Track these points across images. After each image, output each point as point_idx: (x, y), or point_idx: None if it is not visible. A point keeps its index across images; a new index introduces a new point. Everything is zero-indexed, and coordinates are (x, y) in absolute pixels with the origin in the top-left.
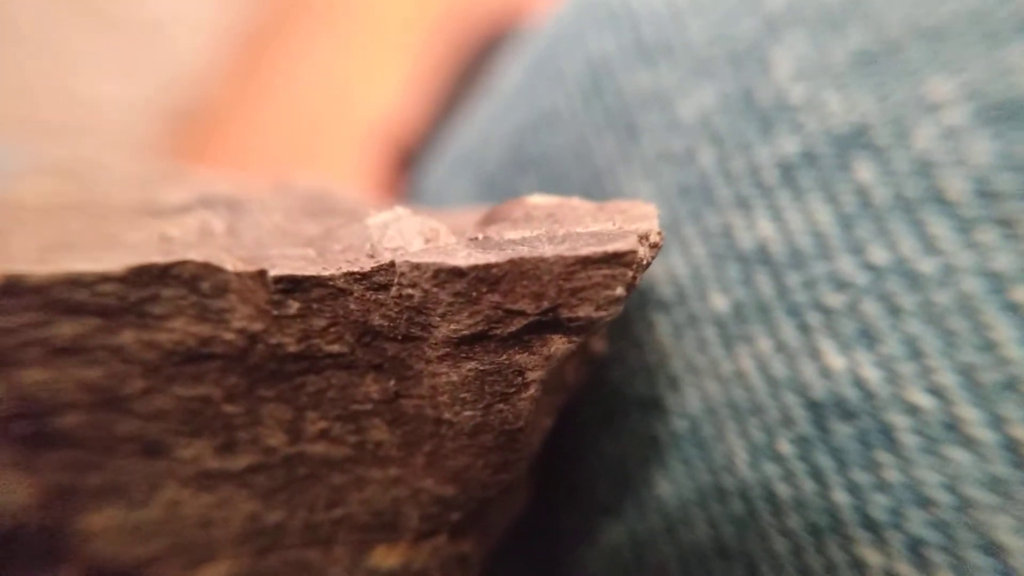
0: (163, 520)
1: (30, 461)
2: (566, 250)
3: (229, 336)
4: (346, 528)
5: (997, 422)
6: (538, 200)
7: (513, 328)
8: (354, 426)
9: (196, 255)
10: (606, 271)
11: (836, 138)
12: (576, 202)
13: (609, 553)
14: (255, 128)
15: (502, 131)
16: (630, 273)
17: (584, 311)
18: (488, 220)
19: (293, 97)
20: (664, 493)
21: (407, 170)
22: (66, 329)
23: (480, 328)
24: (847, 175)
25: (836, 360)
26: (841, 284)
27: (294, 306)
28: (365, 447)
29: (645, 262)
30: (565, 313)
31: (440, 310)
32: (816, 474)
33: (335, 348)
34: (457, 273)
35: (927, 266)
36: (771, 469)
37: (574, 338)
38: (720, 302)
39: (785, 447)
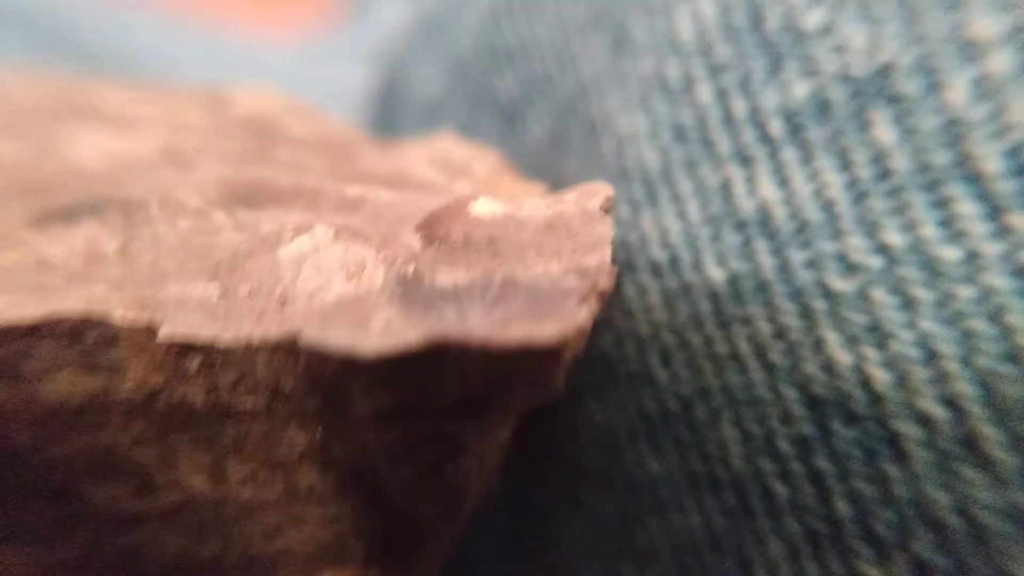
0: (83, 558)
1: None
2: (497, 326)
3: (126, 387)
4: (287, 559)
5: (1019, 444)
6: (483, 211)
7: (440, 406)
8: (282, 471)
9: (76, 299)
10: (541, 354)
11: (854, 82)
12: (525, 213)
13: (597, 523)
14: None
15: (475, 5)
16: (570, 353)
17: (520, 391)
18: (428, 228)
19: None
20: (655, 472)
21: None
22: None
23: (403, 406)
24: (864, 135)
25: (841, 354)
26: (850, 267)
27: (194, 363)
28: (297, 492)
29: (595, 314)
30: (497, 393)
31: (357, 386)
32: (816, 479)
33: (248, 403)
34: (368, 360)
35: (948, 254)
36: (768, 466)
37: (511, 413)
38: (716, 274)
39: (783, 445)
